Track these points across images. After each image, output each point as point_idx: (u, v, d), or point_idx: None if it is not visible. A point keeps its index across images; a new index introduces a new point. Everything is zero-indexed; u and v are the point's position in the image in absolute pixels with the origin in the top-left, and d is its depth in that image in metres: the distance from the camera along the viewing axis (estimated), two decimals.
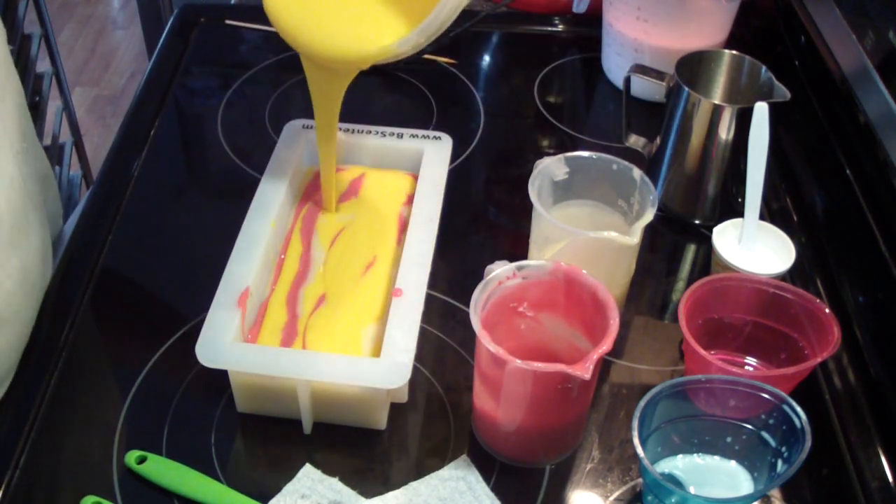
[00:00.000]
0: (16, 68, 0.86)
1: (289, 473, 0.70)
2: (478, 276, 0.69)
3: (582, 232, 0.74)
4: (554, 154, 0.79)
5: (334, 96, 0.73)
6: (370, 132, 0.89)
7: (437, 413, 0.75)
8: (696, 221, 0.91)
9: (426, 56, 1.11)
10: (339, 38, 0.67)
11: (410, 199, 0.83)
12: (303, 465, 0.70)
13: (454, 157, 0.91)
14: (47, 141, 1.49)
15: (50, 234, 0.89)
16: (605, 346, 0.63)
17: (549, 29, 1.18)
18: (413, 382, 0.74)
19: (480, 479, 0.70)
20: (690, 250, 0.91)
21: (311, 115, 0.81)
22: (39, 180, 0.88)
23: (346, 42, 0.67)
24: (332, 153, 0.79)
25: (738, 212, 0.82)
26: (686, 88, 0.85)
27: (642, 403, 0.64)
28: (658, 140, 0.91)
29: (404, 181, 0.87)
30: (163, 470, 0.69)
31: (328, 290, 0.77)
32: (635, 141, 0.95)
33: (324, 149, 0.79)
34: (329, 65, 0.71)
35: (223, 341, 0.69)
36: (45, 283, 0.84)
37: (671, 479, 0.68)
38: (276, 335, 0.74)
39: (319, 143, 0.79)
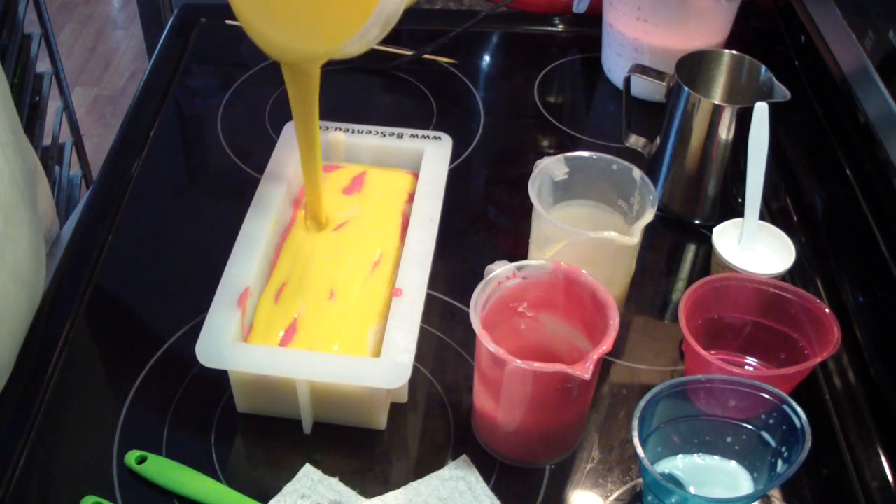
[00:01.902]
0: (14, 67, 0.86)
1: (289, 473, 0.70)
2: (478, 276, 0.69)
3: (582, 232, 0.74)
4: (554, 154, 0.79)
5: (306, 96, 0.71)
6: (370, 132, 0.89)
7: (437, 413, 0.75)
8: (696, 221, 0.91)
9: (426, 56, 1.11)
10: (291, 34, 0.66)
11: (412, 198, 0.83)
12: (303, 465, 0.70)
13: (454, 157, 0.91)
14: (47, 141, 1.49)
15: (42, 231, 0.89)
16: (605, 346, 0.63)
17: (549, 29, 1.18)
18: (413, 382, 0.74)
19: (480, 479, 0.70)
20: (690, 250, 0.91)
21: None
22: (28, 174, 0.88)
23: (297, 39, 0.66)
24: (316, 162, 0.75)
25: (738, 212, 0.82)
26: (686, 88, 0.85)
27: (642, 403, 0.64)
28: (658, 140, 0.91)
29: (406, 179, 0.86)
30: (163, 470, 0.69)
31: (335, 287, 0.76)
32: (635, 141, 0.95)
33: (305, 157, 0.75)
34: (284, 60, 0.71)
35: (223, 341, 0.69)
36: (39, 279, 0.84)
37: (671, 479, 0.68)
38: (271, 331, 0.73)
39: (301, 153, 0.76)
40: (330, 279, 0.76)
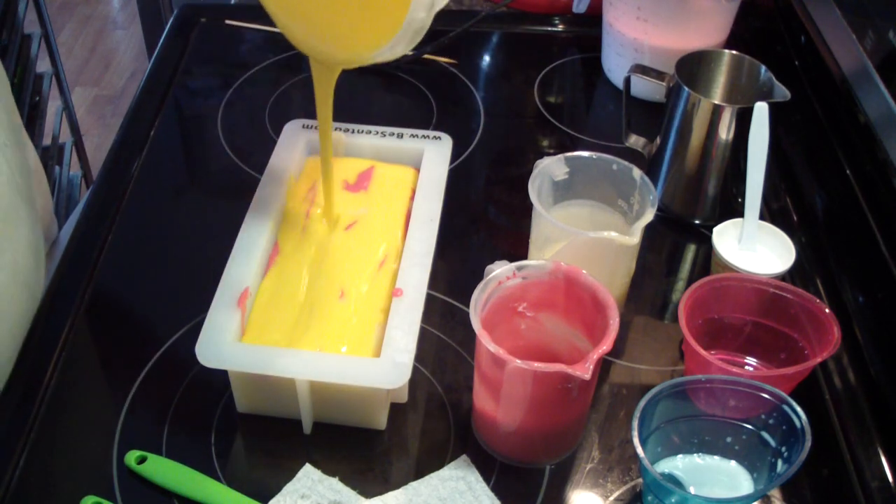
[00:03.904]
0: (14, 67, 0.86)
1: (289, 473, 0.70)
2: (478, 276, 0.69)
3: (582, 232, 0.74)
4: (554, 154, 0.79)
5: (324, 89, 0.76)
6: (370, 132, 0.89)
7: (437, 413, 0.75)
8: (696, 221, 0.91)
9: (426, 56, 1.11)
10: (324, 43, 0.69)
11: (415, 194, 0.83)
12: (303, 465, 0.70)
13: (454, 157, 0.91)
14: (47, 141, 1.49)
15: (41, 230, 0.89)
16: (605, 346, 0.64)
17: (549, 29, 1.18)
18: (413, 382, 0.74)
19: (480, 479, 0.70)
20: (690, 250, 0.91)
21: (311, 115, 0.81)
22: (27, 174, 0.88)
23: (329, 47, 0.69)
24: (329, 149, 0.79)
25: (738, 212, 0.82)
26: (686, 88, 0.85)
27: (642, 403, 0.64)
28: (658, 140, 0.91)
29: (410, 174, 0.86)
30: (163, 470, 0.69)
31: (345, 287, 0.76)
32: (635, 141, 0.95)
33: (322, 143, 0.79)
34: (316, 59, 0.74)
35: (223, 341, 0.69)
36: (39, 279, 0.84)
37: (671, 479, 0.68)
38: (271, 331, 0.73)
39: (320, 138, 0.80)
40: (340, 279, 0.76)
